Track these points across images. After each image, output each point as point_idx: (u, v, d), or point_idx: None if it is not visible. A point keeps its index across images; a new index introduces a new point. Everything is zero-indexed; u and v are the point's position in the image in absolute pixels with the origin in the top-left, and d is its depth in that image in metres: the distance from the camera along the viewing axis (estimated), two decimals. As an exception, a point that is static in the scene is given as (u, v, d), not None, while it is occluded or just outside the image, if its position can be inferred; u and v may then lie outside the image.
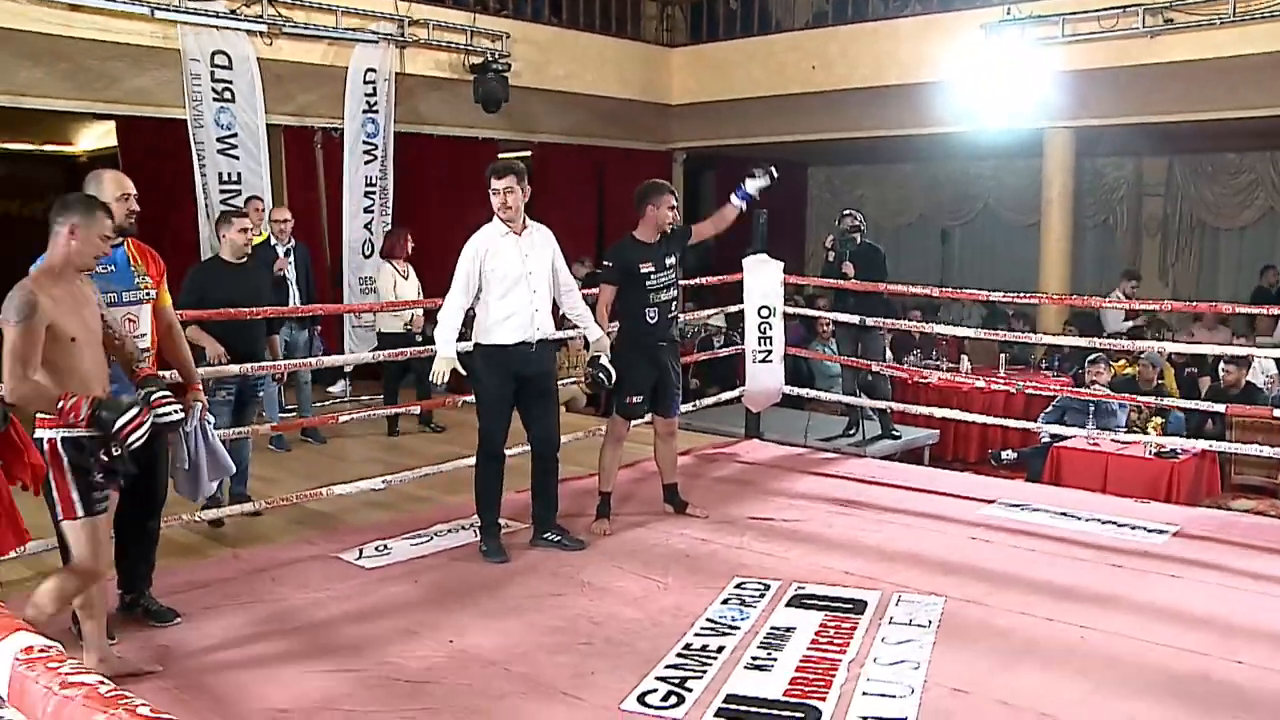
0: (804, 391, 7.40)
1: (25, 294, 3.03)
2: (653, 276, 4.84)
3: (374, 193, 8.91)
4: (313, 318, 7.11)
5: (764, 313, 6.76)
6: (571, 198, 11.97)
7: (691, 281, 7.11)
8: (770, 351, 6.79)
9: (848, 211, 7.59)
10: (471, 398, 4.70)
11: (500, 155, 11.20)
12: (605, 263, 4.94)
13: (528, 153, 11.46)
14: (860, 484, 5.86)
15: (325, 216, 9.50)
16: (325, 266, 9.29)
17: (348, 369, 8.65)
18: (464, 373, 4.31)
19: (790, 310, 7.71)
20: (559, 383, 4.71)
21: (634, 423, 5.11)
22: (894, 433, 7.49)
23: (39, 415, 3.15)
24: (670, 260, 4.92)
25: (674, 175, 12.72)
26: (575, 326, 4.87)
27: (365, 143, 8.77)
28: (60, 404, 3.05)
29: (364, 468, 6.10)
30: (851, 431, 7.48)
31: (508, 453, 4.62)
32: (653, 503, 5.34)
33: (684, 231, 4.97)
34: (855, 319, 6.74)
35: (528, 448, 4.70)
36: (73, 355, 3.11)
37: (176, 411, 3.33)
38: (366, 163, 8.83)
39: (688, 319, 6.72)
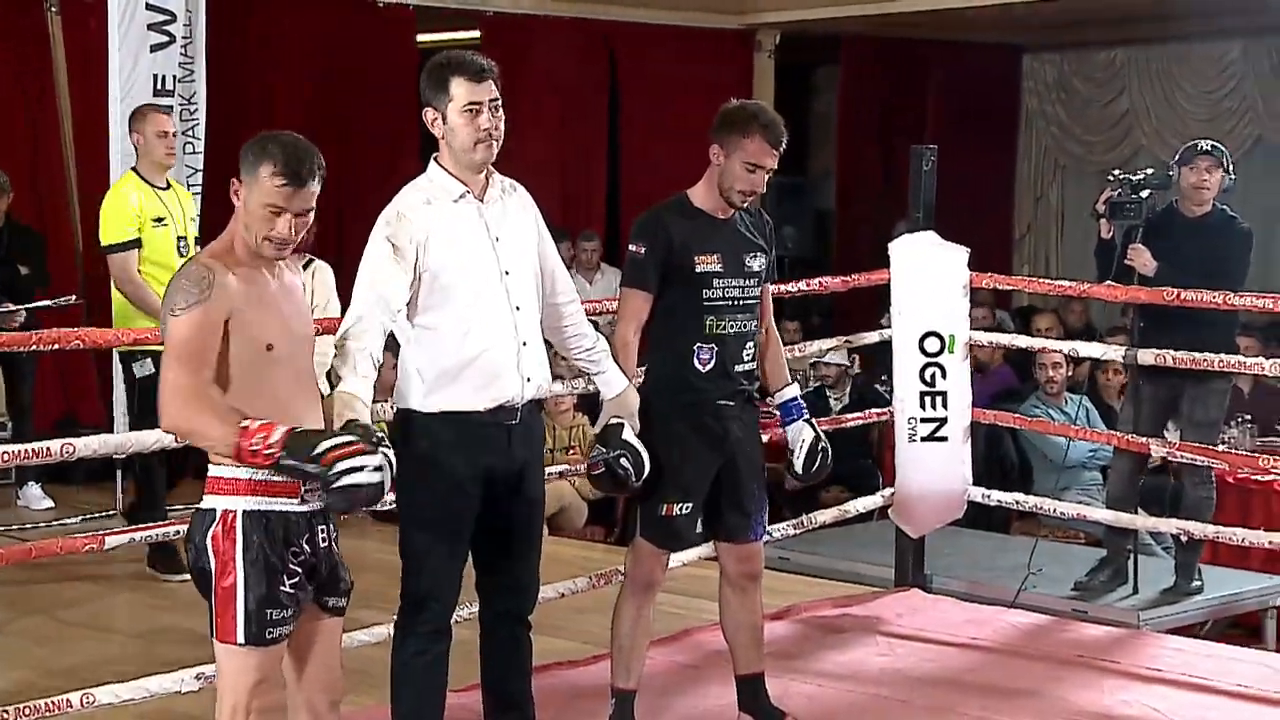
0: (1012, 498, 7.43)
1: (199, 269, 3.79)
2: (717, 281, 5.02)
3: (170, 107, 9.01)
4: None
5: (931, 346, 6.86)
6: (556, 122, 12.12)
7: (787, 287, 7.16)
8: (943, 421, 6.87)
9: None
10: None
11: (420, 41, 11.40)
12: (632, 247, 5.08)
13: (473, 33, 11.60)
14: (1138, 681, 5.87)
15: (71, 152, 9.70)
16: (75, 251, 9.50)
17: (120, 455, 8.53)
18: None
19: (984, 338, 7.82)
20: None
21: (679, 556, 5.23)
22: (1195, 582, 7.41)
23: (212, 468, 3.84)
24: (755, 261, 5.10)
25: (757, 73, 12.86)
26: (570, 367, 4.99)
27: (152, 7, 8.89)
28: (243, 438, 3.68)
29: (151, 650, 6.22)
30: (1104, 576, 7.43)
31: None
32: (718, 712, 5.40)
33: (768, 228, 5.21)
34: (1149, 357, 6.64)
35: (473, 609, 4.83)
36: (267, 373, 3.83)
37: (372, 471, 3.79)
38: (156, 46, 8.90)
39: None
